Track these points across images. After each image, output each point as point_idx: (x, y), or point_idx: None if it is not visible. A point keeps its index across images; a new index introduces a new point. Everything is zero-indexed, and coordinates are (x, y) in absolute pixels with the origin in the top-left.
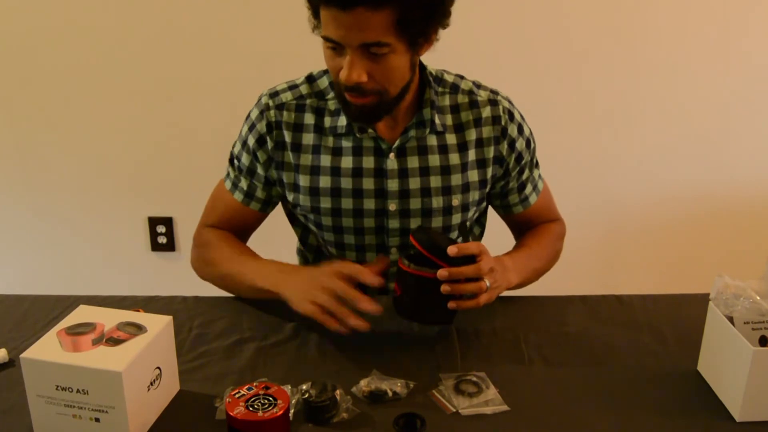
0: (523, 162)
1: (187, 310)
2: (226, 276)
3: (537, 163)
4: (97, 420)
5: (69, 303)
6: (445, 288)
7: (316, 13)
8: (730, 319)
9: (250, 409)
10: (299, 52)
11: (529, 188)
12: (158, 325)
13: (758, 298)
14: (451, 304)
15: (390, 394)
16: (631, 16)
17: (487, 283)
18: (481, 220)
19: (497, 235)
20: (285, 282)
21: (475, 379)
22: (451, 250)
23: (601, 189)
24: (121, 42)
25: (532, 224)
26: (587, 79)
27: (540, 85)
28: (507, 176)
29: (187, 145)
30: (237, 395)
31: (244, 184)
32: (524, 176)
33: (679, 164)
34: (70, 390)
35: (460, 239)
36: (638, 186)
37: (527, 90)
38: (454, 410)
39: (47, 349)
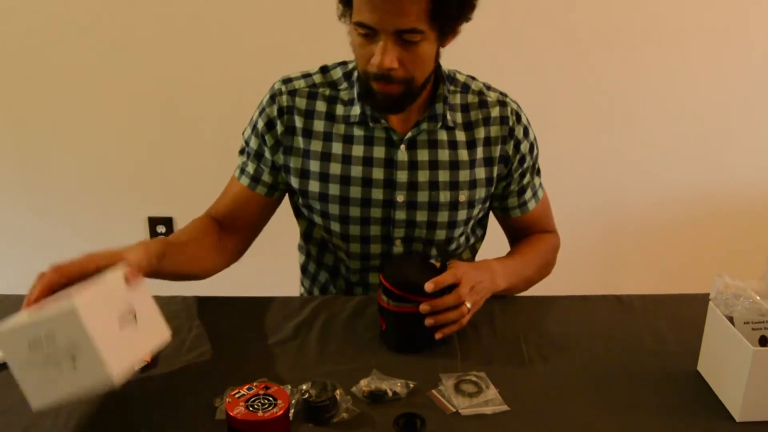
0: (525, 165)
1: (187, 310)
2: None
3: (539, 170)
4: (74, 366)
5: None
6: (428, 321)
7: (348, 0)
8: (730, 319)
9: (250, 409)
10: (301, 51)
11: (528, 194)
12: (113, 271)
13: (758, 298)
14: (437, 335)
15: (390, 394)
16: (630, 16)
17: (468, 306)
18: (483, 222)
19: (500, 236)
20: None
21: (475, 379)
22: (428, 287)
23: (601, 189)
24: (121, 42)
25: (527, 232)
26: (587, 79)
27: (540, 85)
28: (509, 177)
29: (188, 145)
30: (237, 395)
31: (251, 168)
32: (525, 180)
33: (679, 164)
34: (41, 345)
35: (462, 238)
36: (638, 186)
37: (528, 90)
38: (454, 410)
39: (13, 319)
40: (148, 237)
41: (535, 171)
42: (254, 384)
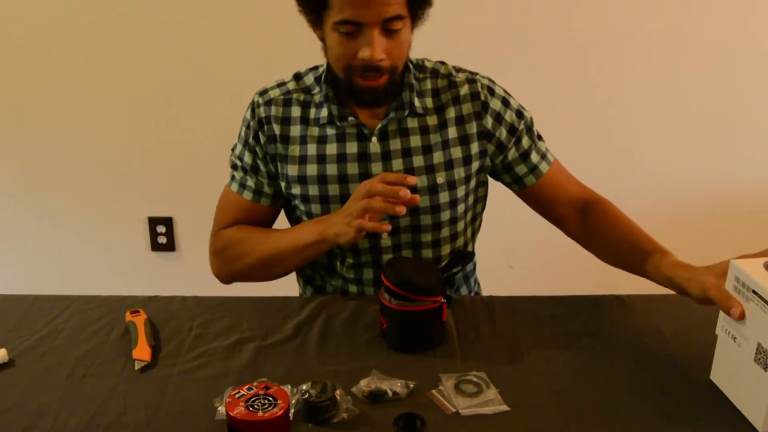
0: (518, 132)
1: (187, 310)
2: (265, 257)
3: (540, 137)
4: None
5: (69, 303)
6: None
7: (322, 2)
8: None
9: (250, 409)
10: (300, 51)
11: (535, 157)
12: None
13: None
14: None
15: (390, 394)
16: (631, 16)
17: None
18: (476, 209)
19: (497, 242)
20: (326, 225)
21: (475, 379)
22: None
23: (600, 189)
24: (121, 42)
25: (560, 200)
26: (587, 80)
27: (540, 85)
28: (503, 149)
29: (187, 145)
30: (237, 395)
31: (251, 182)
32: (525, 145)
33: (679, 164)
34: None
35: (455, 225)
36: (638, 186)
37: (527, 90)
38: (454, 410)
39: None
40: (148, 237)
41: (535, 134)
42: (254, 384)
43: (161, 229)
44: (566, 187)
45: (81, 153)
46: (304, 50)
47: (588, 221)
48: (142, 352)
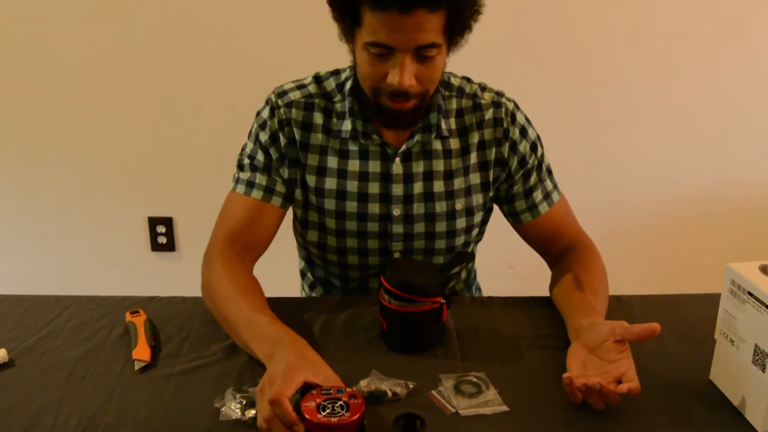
0: (528, 166)
1: (187, 310)
2: (226, 326)
3: (549, 171)
4: None
5: (69, 303)
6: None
7: (355, 19)
8: None
9: (324, 412)
10: (300, 53)
11: (538, 196)
12: None
13: None
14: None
15: (390, 394)
16: (631, 17)
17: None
18: (482, 228)
19: (497, 242)
20: (270, 366)
21: (475, 379)
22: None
23: (601, 190)
24: (121, 42)
25: (551, 240)
26: (587, 81)
27: (540, 86)
28: (510, 179)
29: (187, 145)
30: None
31: (262, 180)
32: (531, 182)
33: (678, 164)
34: None
35: (464, 246)
36: (638, 186)
37: (528, 91)
38: (454, 410)
39: None
40: (148, 237)
41: (544, 171)
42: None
43: (161, 229)
44: (560, 233)
45: (81, 153)
46: (305, 54)
47: (561, 258)
48: (141, 352)
